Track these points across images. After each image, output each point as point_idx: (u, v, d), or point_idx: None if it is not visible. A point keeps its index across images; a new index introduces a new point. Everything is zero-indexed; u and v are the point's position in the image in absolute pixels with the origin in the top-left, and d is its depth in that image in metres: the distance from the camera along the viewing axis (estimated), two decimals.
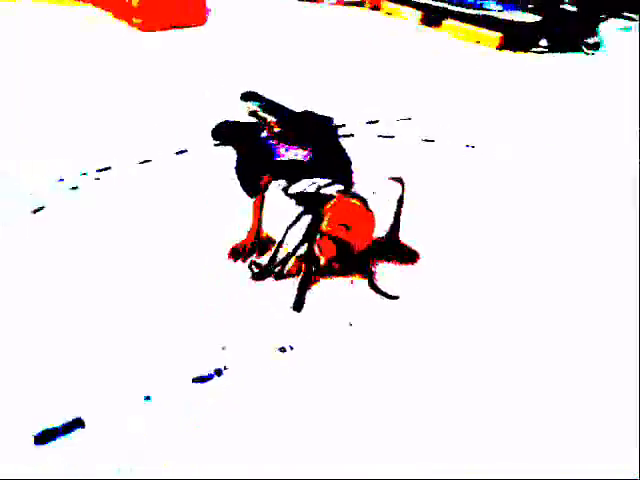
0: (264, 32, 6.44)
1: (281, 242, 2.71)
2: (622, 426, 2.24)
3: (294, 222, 2.69)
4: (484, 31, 6.32)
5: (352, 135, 4.13)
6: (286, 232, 2.69)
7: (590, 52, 5.81)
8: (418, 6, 6.93)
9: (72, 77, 4.86)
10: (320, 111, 3.95)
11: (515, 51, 6.19)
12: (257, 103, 4.09)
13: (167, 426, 1.99)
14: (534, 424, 2.18)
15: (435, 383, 2.26)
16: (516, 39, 6.04)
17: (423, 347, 2.40)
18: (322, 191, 2.83)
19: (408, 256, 2.91)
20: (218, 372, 2.21)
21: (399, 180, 2.89)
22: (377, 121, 4.38)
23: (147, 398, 2.09)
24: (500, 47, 6.28)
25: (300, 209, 2.73)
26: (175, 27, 6.23)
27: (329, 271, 2.69)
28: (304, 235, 2.66)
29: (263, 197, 2.85)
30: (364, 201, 2.67)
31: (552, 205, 3.42)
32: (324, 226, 2.58)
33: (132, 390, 2.09)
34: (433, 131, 4.27)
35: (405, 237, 2.91)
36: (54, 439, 1.92)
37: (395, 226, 2.88)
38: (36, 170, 3.36)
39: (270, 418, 2.05)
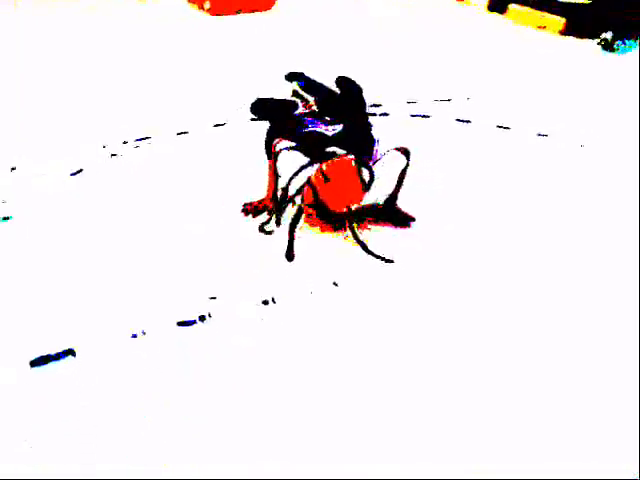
0: (327, 17, 6.60)
1: (285, 190, 2.92)
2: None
3: (296, 173, 2.88)
4: (548, 16, 6.23)
5: (387, 114, 4.23)
6: (289, 182, 2.89)
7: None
8: None
9: (139, 55, 5.22)
10: (365, 92, 4.07)
11: (580, 37, 6.07)
12: (300, 83, 4.26)
13: (151, 361, 2.21)
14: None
15: (418, 351, 2.38)
16: (580, 24, 5.92)
17: (408, 312, 2.52)
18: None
19: (402, 220, 3.03)
20: (202, 318, 2.42)
21: (405, 151, 3.01)
22: (415, 102, 4.46)
23: (134, 336, 2.32)
24: (564, 32, 6.16)
25: (305, 161, 2.92)
26: (243, 12, 6.48)
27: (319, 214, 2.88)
28: (301, 185, 2.86)
29: (276, 159, 3.04)
30: (361, 166, 2.81)
31: (566, 199, 3.42)
32: (312, 175, 2.74)
33: (122, 327, 2.34)
34: (470, 112, 4.30)
35: (406, 206, 3.03)
36: (47, 363, 2.18)
37: (394, 193, 3.01)
38: (87, 136, 3.71)
39: (244, 369, 2.24)
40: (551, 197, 3.34)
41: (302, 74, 4.35)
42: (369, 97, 4.09)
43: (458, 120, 4.20)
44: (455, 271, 2.75)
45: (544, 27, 6.36)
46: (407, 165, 3.01)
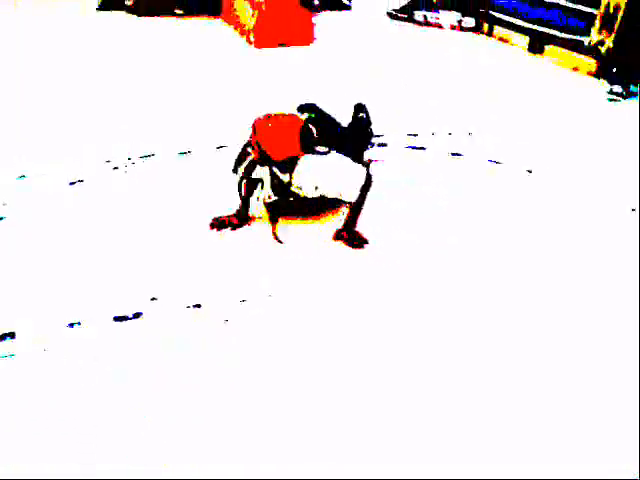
0: (360, 51, 6.88)
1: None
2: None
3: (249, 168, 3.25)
4: (581, 57, 6.27)
5: (385, 145, 4.44)
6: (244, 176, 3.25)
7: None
8: (525, 31, 6.99)
9: (173, 74, 5.68)
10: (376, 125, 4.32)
11: (612, 82, 6.07)
12: (310, 115, 4.55)
13: (83, 350, 2.52)
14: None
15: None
16: (608, 67, 5.92)
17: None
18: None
19: (357, 242, 3.24)
20: (137, 315, 2.71)
21: (367, 166, 3.23)
22: (416, 134, 4.64)
23: (71, 325, 2.64)
24: (595, 75, 6.18)
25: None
26: (286, 45, 6.87)
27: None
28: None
29: (248, 177, 3.31)
30: (307, 125, 3.10)
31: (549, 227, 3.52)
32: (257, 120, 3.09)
33: (62, 316, 2.66)
34: (468, 147, 4.45)
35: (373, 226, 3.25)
36: None
37: (353, 212, 3.23)
38: (92, 150, 4.13)
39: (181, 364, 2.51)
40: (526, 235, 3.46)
41: (314, 105, 4.63)
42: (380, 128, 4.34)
43: (453, 154, 4.36)
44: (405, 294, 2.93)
45: (577, 69, 6.39)
46: (368, 183, 3.21)
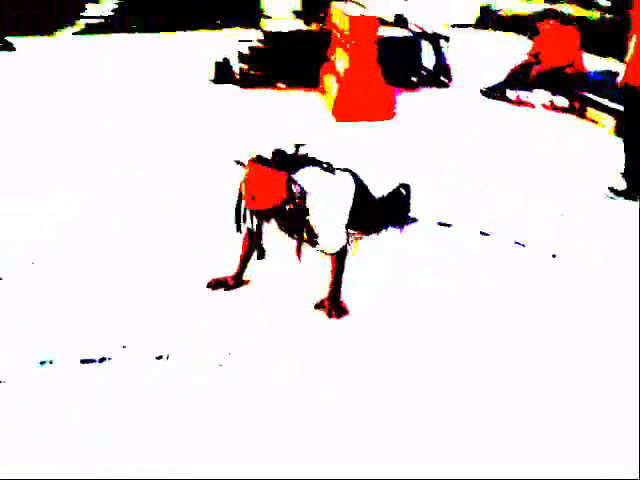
0: (447, 130, 6.97)
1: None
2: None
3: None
4: None
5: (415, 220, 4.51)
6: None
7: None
8: (613, 112, 6.77)
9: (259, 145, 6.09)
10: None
11: None
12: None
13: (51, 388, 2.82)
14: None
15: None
16: None
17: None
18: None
19: (336, 312, 3.36)
20: (102, 359, 2.98)
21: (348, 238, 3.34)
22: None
23: (42, 363, 2.94)
24: None
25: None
26: (366, 120, 7.14)
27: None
28: None
29: (252, 240, 3.51)
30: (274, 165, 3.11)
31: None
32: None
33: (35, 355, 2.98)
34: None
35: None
36: None
37: (333, 281, 3.36)
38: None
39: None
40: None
41: (355, 174, 4.78)
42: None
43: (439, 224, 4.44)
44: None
45: None
46: (345, 248, 3.31)
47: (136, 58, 12.17)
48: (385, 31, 8.65)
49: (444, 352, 3.06)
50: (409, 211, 4.51)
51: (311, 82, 8.80)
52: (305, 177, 3.21)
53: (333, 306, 3.39)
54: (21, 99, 8.63)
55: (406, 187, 4.50)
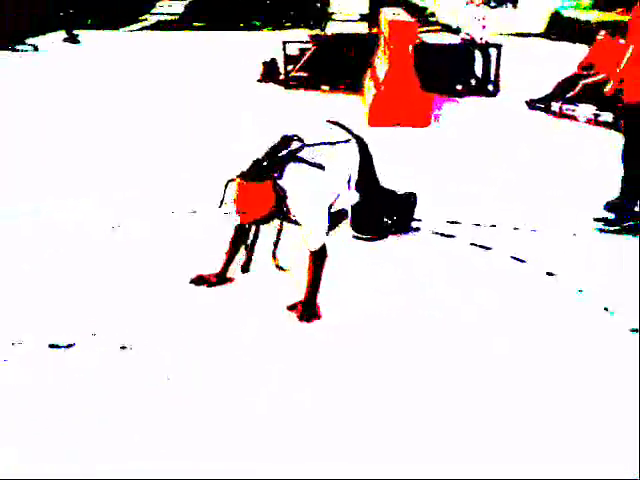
0: (484, 140, 6.84)
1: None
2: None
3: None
4: None
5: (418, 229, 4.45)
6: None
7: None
8: None
9: None
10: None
11: None
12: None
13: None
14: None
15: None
16: None
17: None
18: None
19: (307, 315, 3.37)
20: (69, 345, 3.07)
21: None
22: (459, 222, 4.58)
23: (12, 344, 3.06)
24: None
25: None
26: (401, 125, 7.08)
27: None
28: None
29: (238, 235, 3.58)
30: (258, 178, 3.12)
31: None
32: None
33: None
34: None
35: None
36: None
37: (310, 284, 3.38)
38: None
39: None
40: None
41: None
42: None
43: (473, 244, 4.28)
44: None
45: None
46: (322, 256, 3.33)
47: (196, 54, 12.48)
48: (432, 38, 8.59)
49: (412, 360, 3.00)
50: (412, 220, 4.46)
51: (356, 86, 8.80)
52: (288, 176, 3.21)
53: (305, 309, 3.38)
54: (79, 88, 9.02)
55: (413, 196, 4.45)
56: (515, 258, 4.10)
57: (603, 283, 3.76)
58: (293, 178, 3.22)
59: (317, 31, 12.76)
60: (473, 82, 9.19)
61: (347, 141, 3.67)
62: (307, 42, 9.34)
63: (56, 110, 7.92)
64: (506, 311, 3.44)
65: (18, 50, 12.52)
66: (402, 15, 7.68)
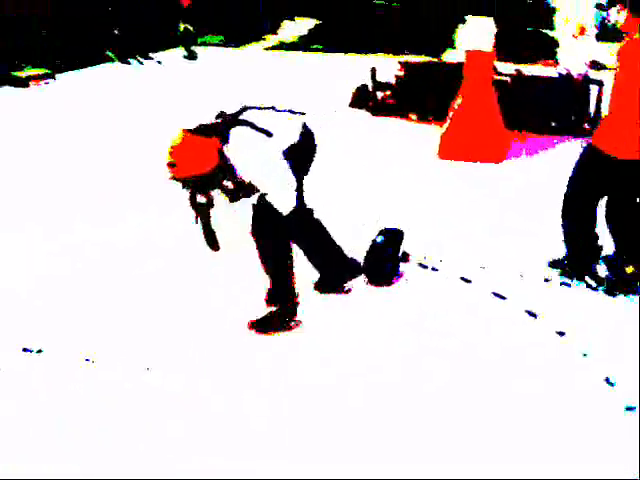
0: (547, 186, 6.46)
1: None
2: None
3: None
4: None
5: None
6: None
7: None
8: None
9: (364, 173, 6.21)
10: None
11: None
12: None
13: None
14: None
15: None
16: None
17: None
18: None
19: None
20: (39, 350, 3.20)
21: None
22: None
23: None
24: None
25: None
26: (473, 160, 6.83)
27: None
28: None
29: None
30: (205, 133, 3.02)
31: None
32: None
33: None
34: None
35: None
36: None
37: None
38: None
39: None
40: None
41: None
42: None
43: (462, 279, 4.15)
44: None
45: None
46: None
47: (301, 75, 12.70)
48: (523, 69, 8.25)
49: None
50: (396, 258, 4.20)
51: (444, 116, 8.58)
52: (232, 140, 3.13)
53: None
54: (188, 101, 9.55)
55: (400, 233, 4.24)
56: (528, 312, 3.81)
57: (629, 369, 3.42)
58: (237, 141, 3.13)
59: (410, 57, 12.53)
60: (572, 119, 8.68)
61: (300, 114, 3.45)
62: (399, 69, 9.22)
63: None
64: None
65: (142, 63, 13.29)
66: (484, 37, 7.43)
